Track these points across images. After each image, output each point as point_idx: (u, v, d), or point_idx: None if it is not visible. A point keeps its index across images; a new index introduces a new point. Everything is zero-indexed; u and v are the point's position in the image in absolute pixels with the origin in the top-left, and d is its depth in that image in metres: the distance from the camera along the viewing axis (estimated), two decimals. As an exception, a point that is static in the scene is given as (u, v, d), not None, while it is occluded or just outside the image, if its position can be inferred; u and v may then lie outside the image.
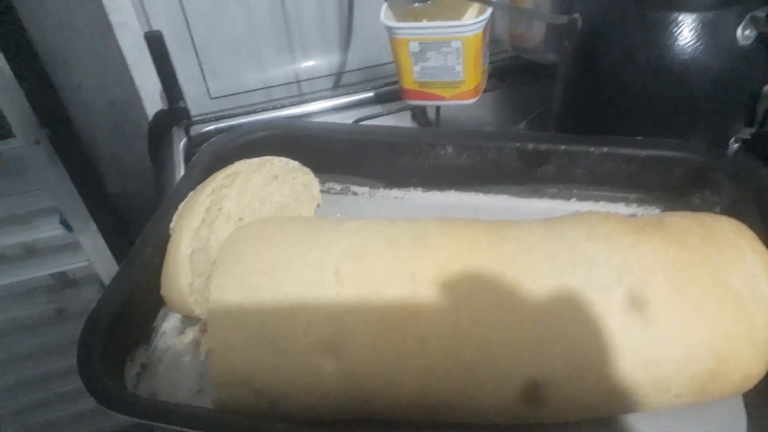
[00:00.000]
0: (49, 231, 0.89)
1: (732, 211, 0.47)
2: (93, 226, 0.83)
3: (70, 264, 0.95)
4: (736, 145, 0.52)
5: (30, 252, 0.93)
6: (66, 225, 0.87)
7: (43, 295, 0.98)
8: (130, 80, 0.83)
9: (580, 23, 0.51)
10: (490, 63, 0.68)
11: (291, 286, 0.39)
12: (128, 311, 0.42)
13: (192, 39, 0.77)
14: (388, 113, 0.74)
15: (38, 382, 1.05)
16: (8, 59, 0.51)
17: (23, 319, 0.99)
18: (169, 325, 0.47)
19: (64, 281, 0.99)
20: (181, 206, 0.47)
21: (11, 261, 0.93)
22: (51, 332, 1.01)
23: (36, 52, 0.52)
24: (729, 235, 0.40)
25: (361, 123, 0.72)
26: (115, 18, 0.78)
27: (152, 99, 0.85)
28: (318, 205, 0.57)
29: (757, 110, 0.53)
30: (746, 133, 0.51)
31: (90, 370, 0.37)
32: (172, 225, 0.46)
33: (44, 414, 1.09)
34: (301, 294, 0.39)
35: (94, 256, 0.92)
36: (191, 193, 0.48)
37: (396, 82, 0.77)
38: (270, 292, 0.39)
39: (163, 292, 0.45)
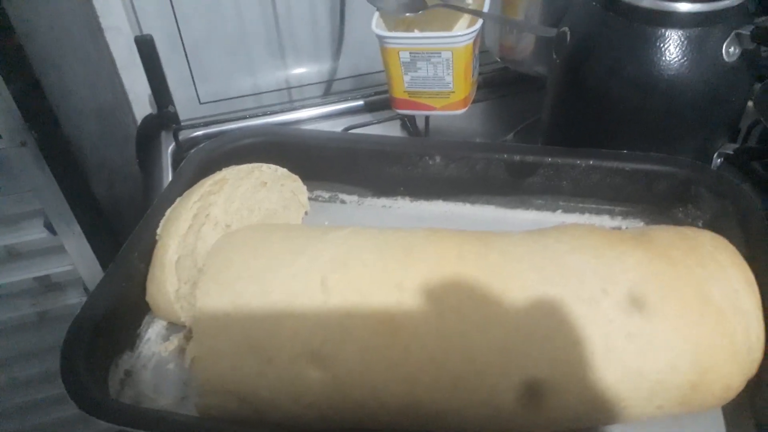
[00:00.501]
0: (32, 234, 0.88)
1: (714, 225, 0.48)
2: (77, 230, 0.82)
3: (53, 268, 0.94)
4: (719, 160, 0.53)
5: (13, 255, 0.92)
6: (50, 228, 0.86)
7: (25, 298, 0.97)
8: (120, 84, 0.83)
9: (568, 37, 0.51)
10: (480, 74, 0.68)
11: (277, 293, 0.39)
12: (113, 317, 0.42)
13: (183, 43, 0.77)
14: (378, 122, 0.74)
15: (20, 387, 1.04)
16: (-4, 62, 0.51)
17: (5, 323, 0.98)
18: (153, 331, 0.46)
19: (47, 285, 0.98)
20: (168, 212, 0.47)
21: (-6, 264, 0.91)
22: (33, 336, 1.00)
23: (26, 54, 0.51)
24: (710, 249, 0.41)
25: (350, 131, 0.72)
26: (105, 21, 0.77)
27: (141, 103, 0.85)
28: (306, 213, 0.57)
29: (741, 126, 0.54)
30: (729, 148, 0.52)
31: (73, 376, 0.37)
32: (159, 230, 0.46)
33: (25, 419, 1.08)
34: (287, 302, 0.39)
35: (77, 260, 0.91)
36: (179, 199, 0.48)
37: (386, 91, 0.78)
38: (256, 300, 0.39)
39: (149, 298, 0.45)
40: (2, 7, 0.48)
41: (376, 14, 0.61)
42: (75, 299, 0.98)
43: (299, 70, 0.86)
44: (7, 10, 0.49)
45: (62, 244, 0.88)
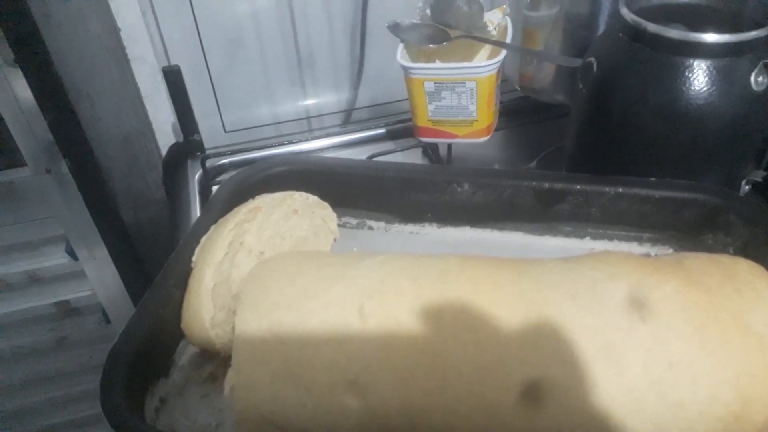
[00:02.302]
0: (54, 260, 0.89)
1: (744, 252, 0.48)
2: (98, 255, 0.83)
3: (73, 293, 0.95)
4: (747, 187, 0.53)
5: (34, 280, 0.93)
6: (71, 254, 0.87)
7: (44, 323, 0.98)
8: (144, 112, 0.84)
9: (595, 67, 0.52)
10: (500, 102, 0.69)
11: (315, 321, 0.39)
12: (150, 344, 0.42)
13: (209, 73, 0.79)
14: (400, 150, 0.75)
15: (37, 411, 1.04)
16: (33, 91, 0.52)
17: (24, 347, 0.98)
18: (187, 358, 0.47)
19: (66, 310, 0.98)
20: (203, 240, 0.47)
21: (15, 289, 0.92)
22: (52, 361, 1.00)
23: (62, 84, 0.53)
24: (748, 276, 0.41)
25: (375, 159, 0.73)
26: (131, 51, 0.79)
27: (164, 131, 0.86)
28: (335, 240, 0.57)
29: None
30: (758, 175, 0.53)
31: (113, 403, 0.37)
32: (194, 258, 0.47)
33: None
34: (325, 330, 0.39)
35: (97, 284, 0.92)
36: (213, 227, 0.48)
37: (406, 120, 0.79)
38: (294, 328, 0.39)
39: (184, 325, 0.45)
40: (42, 39, 0.49)
41: (401, 45, 0.63)
42: (93, 324, 0.99)
43: (319, 100, 0.88)
44: (47, 41, 0.50)
45: (82, 269, 0.89)
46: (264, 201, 0.50)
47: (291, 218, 0.51)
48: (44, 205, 0.77)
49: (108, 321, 0.95)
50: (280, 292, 0.41)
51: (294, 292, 0.41)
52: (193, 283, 0.45)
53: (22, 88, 0.59)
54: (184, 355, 0.47)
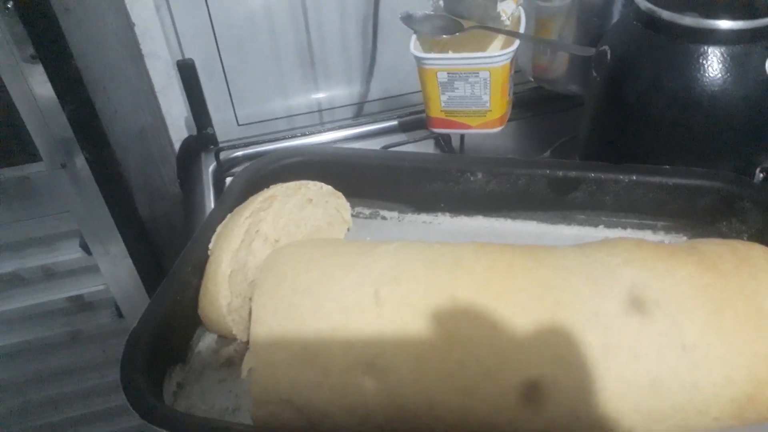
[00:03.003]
0: (68, 254, 0.90)
1: (759, 238, 0.48)
2: (111, 250, 0.84)
3: (86, 287, 0.95)
4: (761, 175, 0.53)
5: (49, 275, 0.93)
6: (85, 248, 0.87)
7: (58, 318, 0.99)
8: (158, 107, 0.85)
9: (609, 55, 0.52)
10: (514, 93, 0.69)
11: (331, 306, 0.40)
12: (168, 329, 0.43)
13: (223, 67, 0.79)
14: (412, 141, 0.75)
15: (52, 405, 1.05)
16: (53, 83, 0.53)
17: (38, 341, 0.99)
18: (204, 344, 0.47)
19: (80, 304, 0.99)
20: (219, 228, 0.48)
21: (30, 284, 0.93)
22: (66, 355, 1.01)
23: (82, 77, 0.53)
24: (762, 261, 0.41)
25: (389, 149, 0.73)
26: (145, 47, 0.80)
27: (177, 125, 0.87)
28: (348, 229, 0.57)
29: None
30: (772, 163, 0.53)
31: (133, 386, 0.38)
32: (210, 246, 0.47)
33: (56, 437, 1.08)
34: (341, 314, 0.39)
35: (110, 279, 0.93)
36: (229, 216, 0.49)
37: (418, 111, 0.79)
38: (311, 312, 0.40)
39: (201, 311, 0.46)
40: (63, 33, 0.50)
41: (414, 36, 0.63)
42: (106, 319, 1.00)
43: (331, 93, 0.88)
44: (67, 35, 0.51)
45: (96, 263, 0.89)
46: (279, 190, 0.50)
47: (305, 207, 0.52)
48: (59, 200, 0.78)
49: (121, 315, 0.96)
50: (297, 278, 0.42)
51: (310, 278, 0.41)
52: (210, 270, 0.46)
53: (38, 84, 0.59)
54: (202, 341, 0.47)
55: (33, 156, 0.69)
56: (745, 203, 0.49)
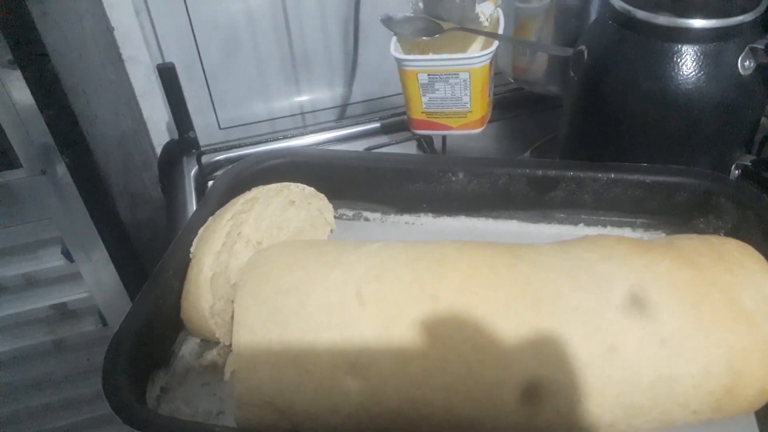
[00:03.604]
0: (50, 262, 0.89)
1: (735, 234, 0.49)
2: (95, 257, 0.83)
3: (69, 295, 0.94)
4: (737, 171, 0.54)
5: (30, 283, 0.92)
6: (67, 255, 0.86)
7: (41, 326, 0.97)
8: (138, 111, 0.84)
9: (586, 55, 0.53)
10: (494, 95, 0.70)
11: (314, 306, 0.40)
12: (150, 334, 0.43)
13: (204, 71, 0.79)
14: (395, 143, 0.75)
15: (36, 415, 1.03)
16: (32, 88, 0.52)
17: (21, 351, 0.98)
18: (187, 348, 0.47)
19: (63, 312, 0.98)
20: (201, 231, 0.48)
21: (11, 292, 0.92)
22: (49, 364, 1.00)
23: (60, 81, 0.53)
24: (738, 256, 0.42)
25: (371, 151, 0.73)
26: (125, 51, 0.80)
27: (158, 129, 0.86)
28: (331, 231, 0.58)
29: (755, 138, 0.55)
30: (747, 159, 0.53)
31: (116, 392, 0.37)
32: (192, 249, 0.47)
33: (39, 447, 1.07)
34: (324, 314, 0.40)
35: (94, 287, 0.92)
36: (211, 218, 0.49)
37: (400, 113, 0.80)
38: (293, 313, 0.40)
39: (183, 315, 0.46)
40: (40, 36, 0.49)
41: (394, 38, 0.63)
42: (90, 327, 0.99)
43: (314, 96, 0.88)
44: (44, 39, 0.50)
45: (79, 271, 0.88)
46: (261, 192, 0.50)
47: (288, 209, 0.52)
48: (39, 207, 0.77)
49: (105, 323, 0.95)
50: (279, 279, 0.42)
51: (293, 279, 0.42)
52: (191, 273, 0.46)
53: (17, 90, 0.59)
54: (184, 344, 0.47)
55: (12, 162, 0.68)
56: (721, 199, 0.50)
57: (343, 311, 0.39)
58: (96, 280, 0.90)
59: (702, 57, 0.48)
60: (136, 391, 0.40)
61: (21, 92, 0.58)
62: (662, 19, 0.48)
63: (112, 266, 0.83)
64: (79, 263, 0.87)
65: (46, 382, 1.01)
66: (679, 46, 0.48)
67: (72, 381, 1.01)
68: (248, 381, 0.38)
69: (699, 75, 0.48)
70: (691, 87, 0.48)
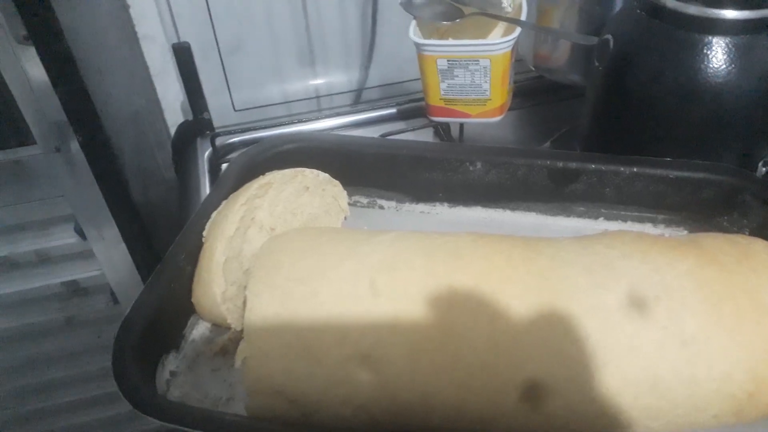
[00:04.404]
0: (62, 239, 0.89)
1: (761, 233, 0.47)
2: (107, 235, 0.83)
3: (81, 273, 0.95)
4: (764, 169, 0.52)
5: (43, 260, 0.93)
6: (80, 233, 0.87)
7: (53, 303, 0.98)
8: (153, 91, 0.84)
9: (612, 44, 0.51)
10: (515, 82, 0.68)
11: (327, 295, 0.39)
12: (161, 317, 0.42)
13: (219, 51, 0.78)
14: (411, 130, 0.74)
15: (47, 390, 1.05)
16: (45, 64, 0.52)
17: (34, 326, 0.99)
18: (197, 333, 0.47)
19: (75, 289, 0.98)
20: (214, 215, 0.47)
21: (24, 268, 0.92)
22: (60, 340, 1.00)
23: (74, 59, 0.52)
24: (764, 256, 0.40)
25: (387, 138, 0.72)
26: (141, 29, 0.79)
27: (172, 110, 0.86)
28: (345, 218, 0.57)
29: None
30: (775, 156, 0.52)
31: (125, 375, 0.37)
32: (205, 233, 0.46)
33: (48, 423, 1.08)
34: (337, 304, 0.39)
35: (106, 264, 0.92)
36: (224, 202, 0.48)
37: (417, 99, 0.78)
38: (306, 302, 0.39)
39: (195, 299, 0.45)
40: (54, 12, 0.49)
41: (414, 22, 0.62)
42: (101, 304, 0.99)
43: (329, 79, 0.87)
44: (59, 15, 0.49)
45: (91, 248, 0.89)
46: (275, 177, 0.49)
47: (302, 195, 0.51)
48: (53, 184, 0.77)
49: (116, 301, 0.95)
50: (292, 266, 0.41)
51: (306, 267, 0.41)
52: (204, 257, 0.45)
53: (32, 66, 0.58)
54: (195, 329, 0.47)
55: (27, 139, 0.68)
56: (747, 197, 0.49)
57: (356, 301, 0.39)
58: (108, 258, 0.90)
59: (733, 49, 0.46)
60: (146, 375, 0.39)
61: (35, 69, 0.57)
62: (693, 9, 0.47)
63: (123, 245, 0.83)
64: (92, 241, 0.87)
65: (56, 358, 1.02)
66: (710, 38, 0.46)
67: (82, 357, 1.02)
68: (259, 369, 0.38)
69: (730, 68, 0.46)
70: (720, 80, 0.47)
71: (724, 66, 0.47)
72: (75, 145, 0.65)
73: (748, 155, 0.52)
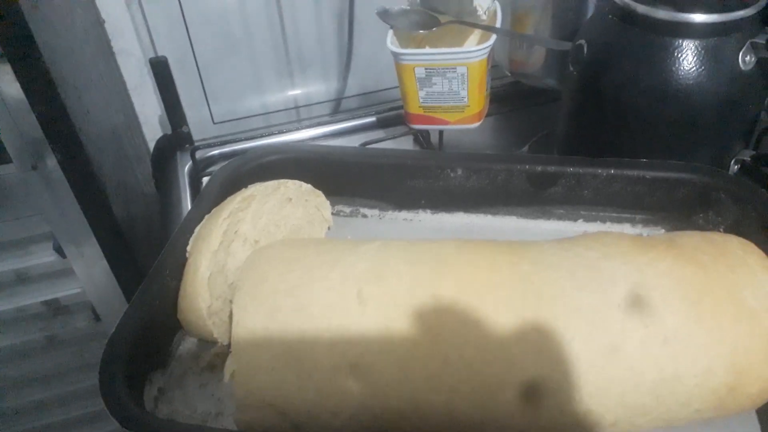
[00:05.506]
0: (42, 257, 0.88)
1: (735, 230, 0.49)
2: (86, 252, 0.82)
3: (62, 291, 0.94)
4: (736, 167, 0.54)
5: (22, 279, 0.91)
6: (59, 251, 0.86)
7: (34, 323, 0.97)
8: (131, 105, 0.83)
9: (585, 49, 0.52)
10: (491, 88, 0.69)
11: (314, 306, 0.39)
12: (147, 334, 0.42)
13: (197, 64, 0.78)
14: (391, 138, 0.75)
15: (29, 411, 1.03)
16: (22, 82, 0.51)
17: (14, 347, 0.97)
18: (184, 348, 0.46)
19: (56, 308, 0.97)
20: (197, 229, 0.47)
21: (3, 288, 0.91)
22: (43, 360, 0.99)
23: (51, 78, 0.52)
24: (740, 253, 0.41)
25: (368, 146, 0.72)
26: (116, 44, 0.78)
27: (151, 124, 0.85)
28: (329, 228, 0.57)
29: (755, 133, 0.55)
30: (746, 154, 0.53)
31: (113, 393, 0.37)
32: (188, 248, 0.46)
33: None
34: (324, 314, 0.39)
35: (86, 282, 0.91)
36: (207, 217, 0.48)
37: (396, 107, 0.79)
38: (293, 313, 0.39)
39: (180, 315, 0.45)
40: (30, 30, 0.48)
41: (391, 31, 0.62)
42: (83, 323, 0.98)
43: (308, 89, 0.87)
44: (35, 33, 0.49)
45: (71, 267, 0.88)
46: (258, 189, 0.50)
47: (285, 206, 0.51)
48: (30, 202, 0.76)
49: (98, 319, 0.94)
50: (278, 278, 0.41)
51: (292, 278, 0.41)
52: (188, 272, 0.45)
53: (6, 84, 0.58)
54: (182, 345, 0.46)
55: (2, 158, 0.67)
56: (721, 195, 0.50)
57: (344, 311, 0.39)
58: (88, 276, 0.89)
59: (702, 52, 0.48)
60: (134, 393, 0.39)
61: (10, 86, 0.56)
62: (663, 14, 0.48)
63: (104, 261, 0.82)
64: (71, 259, 0.86)
65: (39, 378, 1.01)
66: (680, 41, 0.48)
67: (65, 377, 1.00)
68: (248, 383, 0.38)
69: (699, 70, 0.48)
70: (691, 82, 0.48)
71: (695, 68, 0.48)
72: (52, 162, 0.64)
73: (721, 154, 0.54)
